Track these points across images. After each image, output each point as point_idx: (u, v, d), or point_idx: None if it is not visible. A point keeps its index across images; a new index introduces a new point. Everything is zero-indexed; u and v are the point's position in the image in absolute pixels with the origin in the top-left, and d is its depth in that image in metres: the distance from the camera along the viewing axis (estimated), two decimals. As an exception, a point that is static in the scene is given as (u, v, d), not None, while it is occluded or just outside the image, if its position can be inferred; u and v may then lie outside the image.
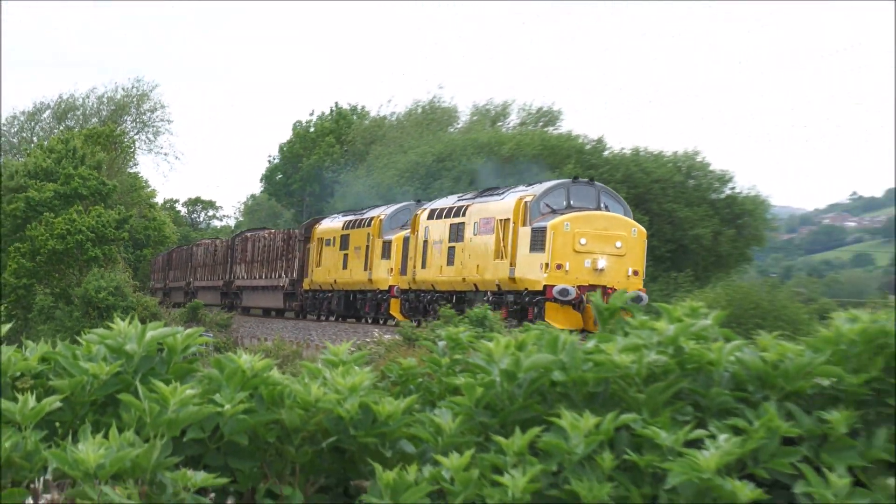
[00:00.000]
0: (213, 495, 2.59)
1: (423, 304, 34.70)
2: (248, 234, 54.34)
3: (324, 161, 75.85)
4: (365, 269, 37.76)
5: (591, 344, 2.81)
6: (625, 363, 2.66)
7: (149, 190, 79.09)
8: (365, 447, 2.69)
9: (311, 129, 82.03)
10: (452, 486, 2.49)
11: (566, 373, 2.71)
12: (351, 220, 40.10)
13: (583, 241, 27.90)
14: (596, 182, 31.23)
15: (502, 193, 32.87)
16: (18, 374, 2.82)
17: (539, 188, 30.76)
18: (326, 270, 41.30)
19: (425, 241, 34.67)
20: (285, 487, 2.60)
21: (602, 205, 29.68)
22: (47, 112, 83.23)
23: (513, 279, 29.76)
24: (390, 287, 36.74)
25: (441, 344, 3.11)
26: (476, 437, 2.69)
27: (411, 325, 29.99)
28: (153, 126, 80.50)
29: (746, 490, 2.42)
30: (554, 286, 27.52)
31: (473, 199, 34.35)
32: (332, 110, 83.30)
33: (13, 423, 2.49)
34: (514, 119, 70.40)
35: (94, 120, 78.03)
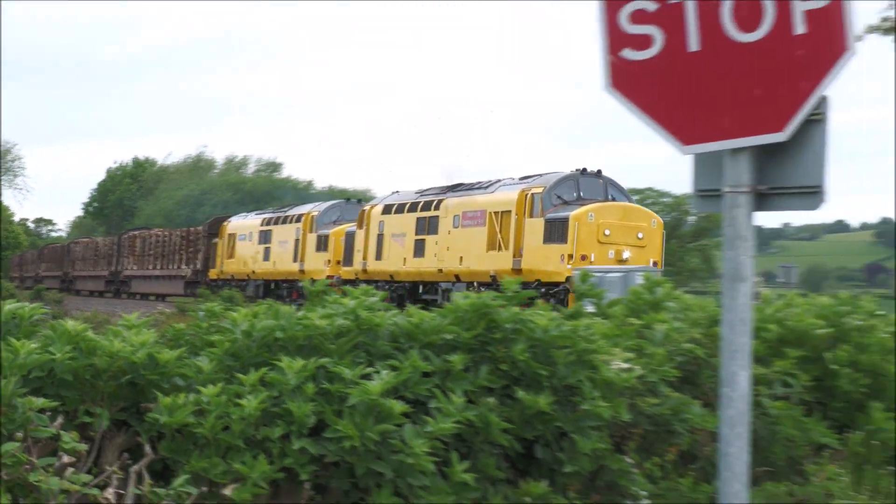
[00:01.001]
0: (49, 414, 3.79)
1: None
2: (136, 233, 63.06)
3: (125, 194, 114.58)
4: (295, 261, 41.73)
5: (300, 313, 4.36)
6: (322, 325, 4.24)
7: (9, 212, 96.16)
8: (151, 382, 4.02)
9: (118, 173, 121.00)
10: (209, 406, 3.86)
11: (284, 332, 4.24)
12: (272, 218, 44.97)
13: (607, 231, 27.77)
14: (603, 174, 31.10)
15: (488, 188, 32.97)
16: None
17: (547, 180, 30.46)
18: (242, 262, 45.88)
19: (380, 235, 36.85)
20: (97, 408, 3.90)
21: (609, 196, 29.91)
22: None
23: (518, 270, 28.99)
24: (329, 277, 38.66)
25: (202, 314, 4.62)
26: (224, 375, 4.11)
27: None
28: (13, 172, 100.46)
29: (398, 406, 3.94)
30: None
31: (444, 194, 34.89)
32: (132, 161, 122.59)
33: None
34: (251, 167, 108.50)
35: None
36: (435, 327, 4.44)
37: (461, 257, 31.96)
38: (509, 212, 29.80)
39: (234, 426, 3.90)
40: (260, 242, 44.94)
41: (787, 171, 4.37)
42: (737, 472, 4.32)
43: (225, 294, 37.75)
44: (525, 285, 22.54)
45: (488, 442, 4.37)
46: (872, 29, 10.89)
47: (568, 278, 26.25)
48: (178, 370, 4.17)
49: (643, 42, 4.51)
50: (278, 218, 43.86)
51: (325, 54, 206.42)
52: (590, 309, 5.23)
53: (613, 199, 29.58)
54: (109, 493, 3.76)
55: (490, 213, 30.88)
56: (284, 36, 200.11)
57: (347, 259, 38.23)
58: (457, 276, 32.26)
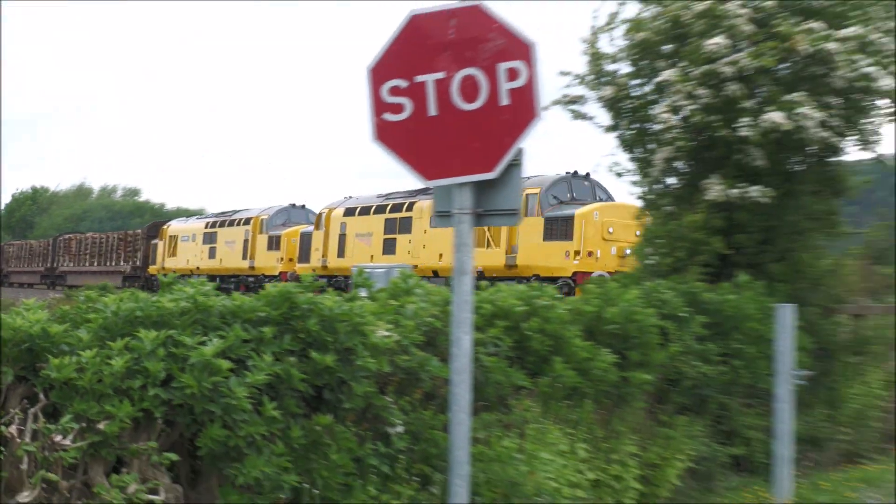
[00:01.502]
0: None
1: (341, 287, 35.71)
2: (71, 236, 70.89)
3: (27, 212, 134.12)
4: (245, 259, 45.43)
5: (154, 297, 5.68)
6: (170, 306, 5.47)
7: None
8: (44, 348, 4.99)
9: (21, 196, 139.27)
10: (87, 365, 4.84)
11: (142, 311, 5.43)
12: (216, 221, 49.46)
13: (611, 229, 28.33)
14: (591, 177, 31.46)
15: None
16: None
17: (542, 181, 30.68)
18: (185, 259, 49.90)
19: (342, 235, 38.44)
20: (4, 367, 4.81)
21: (598, 197, 30.88)
22: None
23: (512, 266, 29.98)
24: (281, 273, 42.37)
25: (82, 297, 5.81)
26: (99, 343, 5.09)
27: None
28: None
29: (225, 364, 4.98)
30: (589, 272, 26.75)
31: (415, 196, 35.29)
32: (31, 188, 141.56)
33: None
34: (119, 192, 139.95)
35: None
36: (252, 307, 5.49)
37: (441, 254, 32.12)
38: None
39: (106, 379, 4.75)
40: (204, 242, 48.20)
41: (495, 199, 5.67)
42: (462, 405, 5.56)
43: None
44: (521, 280, 28.17)
45: (290, 388, 5.27)
46: (556, 102, 12.61)
47: (575, 273, 27.70)
48: (64, 339, 5.02)
49: (398, 108, 5.74)
50: (223, 221, 47.30)
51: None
52: (363, 294, 6.59)
53: (600, 199, 30.68)
54: (13, 428, 4.60)
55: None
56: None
57: (304, 257, 40.24)
58: (434, 272, 32.30)
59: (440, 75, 5.68)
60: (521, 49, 5.56)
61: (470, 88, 5.66)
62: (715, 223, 11.56)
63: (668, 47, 11.95)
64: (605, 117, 12.74)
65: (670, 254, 11.71)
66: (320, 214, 40.93)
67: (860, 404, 11.76)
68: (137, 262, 55.96)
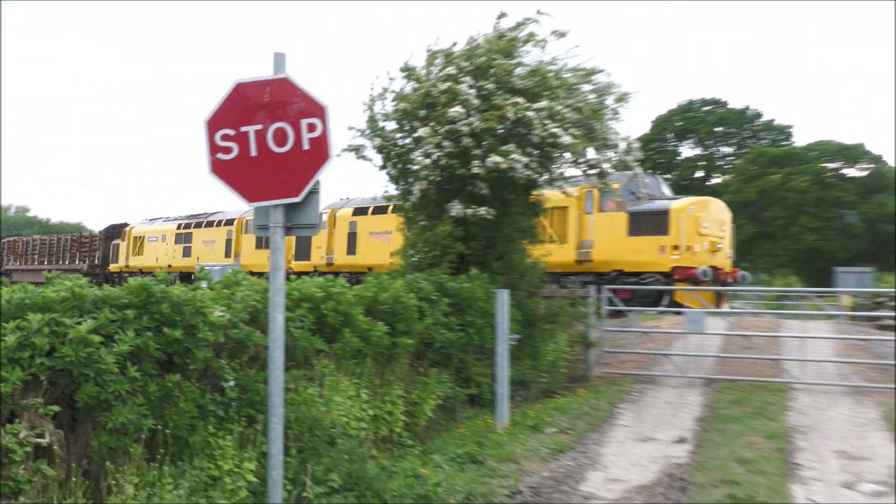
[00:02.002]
0: None
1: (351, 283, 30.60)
2: (15, 239, 60.17)
3: None
4: (228, 257, 36.77)
5: (40, 289, 5.36)
6: (53, 295, 5.22)
7: None
8: None
9: None
10: None
11: (31, 299, 5.09)
12: (189, 223, 40.47)
13: (705, 224, 21.96)
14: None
15: None
16: None
17: (621, 177, 22.79)
18: (153, 258, 41.44)
19: (352, 233, 30.32)
20: None
21: (662, 191, 23.86)
22: None
23: (585, 262, 22.48)
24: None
25: None
26: None
27: None
28: None
29: (96, 338, 4.81)
30: (691, 267, 20.80)
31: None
32: None
33: None
34: (13, 210, 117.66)
35: None
36: (117, 296, 5.28)
37: None
38: (566, 208, 22.69)
39: (3, 352, 4.57)
40: (178, 242, 40.46)
41: (300, 216, 5.73)
42: (277, 365, 5.49)
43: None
44: (600, 275, 22.15)
45: (148, 355, 5.14)
46: (344, 150, 12.70)
47: (674, 268, 21.00)
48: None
49: (228, 150, 5.65)
50: (199, 223, 39.59)
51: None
52: (204, 285, 6.45)
53: (665, 194, 23.89)
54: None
55: None
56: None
57: (301, 255, 32.61)
58: None
59: (258, 127, 5.64)
60: (317, 110, 5.60)
61: (280, 137, 5.68)
62: (456, 233, 11.85)
63: (422, 112, 12.17)
64: (378, 160, 12.85)
65: (427, 254, 11.91)
66: (323, 216, 34.24)
67: (553, 357, 12.25)
68: (96, 261, 48.45)
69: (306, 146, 5.63)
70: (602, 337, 13.98)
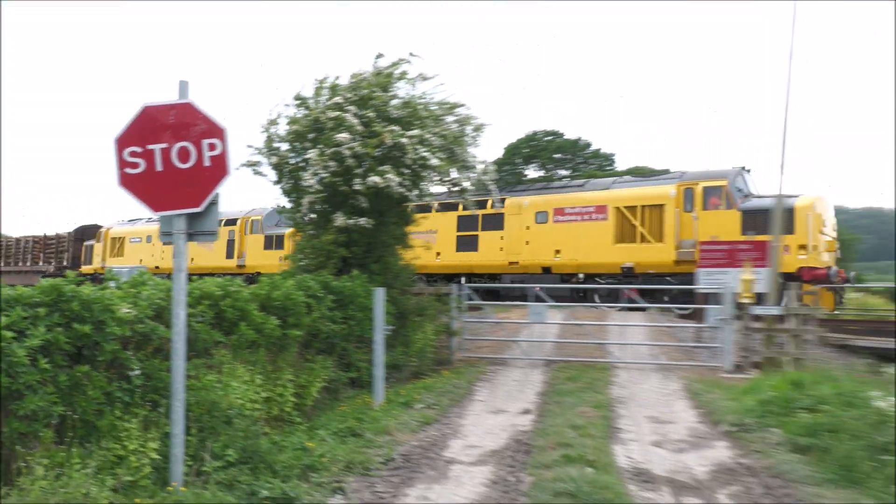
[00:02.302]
0: None
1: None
2: None
3: None
4: (230, 258, 30.88)
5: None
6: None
7: None
8: None
9: None
10: None
11: None
12: None
13: (825, 221, 18.17)
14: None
15: (583, 187, 21.43)
16: None
17: (726, 174, 18.90)
18: (137, 259, 34.45)
19: None
20: None
21: (755, 190, 19.55)
22: None
23: (687, 261, 18.34)
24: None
25: None
26: None
27: None
28: None
29: (9, 333, 4.61)
30: (820, 268, 17.16)
31: (502, 193, 22.16)
32: None
33: None
34: None
35: None
36: (29, 295, 4.96)
37: (557, 250, 20.85)
38: (661, 206, 19.18)
39: None
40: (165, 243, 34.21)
41: (202, 224, 5.55)
42: (179, 355, 5.25)
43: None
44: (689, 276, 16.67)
45: (58, 348, 4.85)
46: (243, 165, 12.35)
47: (801, 269, 17.25)
48: None
49: (135, 165, 5.39)
50: None
51: None
52: (112, 285, 6.10)
53: (760, 194, 19.38)
54: None
55: (618, 207, 19.91)
56: None
57: None
58: (546, 268, 21.18)
59: (164, 145, 5.41)
60: (217, 131, 5.42)
61: (184, 154, 5.48)
62: (340, 240, 11.71)
63: (312, 135, 11.98)
64: (273, 175, 12.55)
65: (314, 259, 11.71)
66: None
67: (421, 344, 12.26)
68: (65, 263, 41.41)
69: (207, 163, 5.45)
70: (463, 327, 14.12)
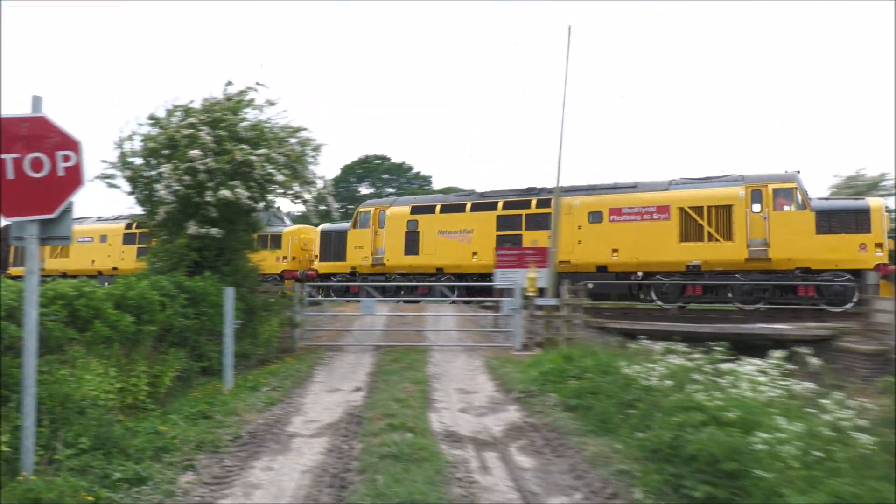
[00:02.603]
0: None
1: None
2: None
3: None
4: None
5: None
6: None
7: None
8: None
9: None
10: None
11: None
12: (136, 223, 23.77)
13: (892, 222, 16.15)
14: None
15: (637, 188, 18.31)
16: None
17: (792, 177, 16.63)
18: (88, 261, 27.11)
19: (413, 232, 20.55)
20: None
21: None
22: None
23: (759, 259, 16.23)
24: (285, 272, 23.48)
25: None
26: None
27: None
28: None
29: None
30: (889, 264, 15.39)
31: (538, 194, 19.35)
32: None
33: None
34: None
35: None
36: None
37: (614, 249, 18.12)
38: (730, 206, 16.99)
39: None
40: (127, 243, 26.44)
41: (56, 229, 5.03)
42: (31, 352, 4.68)
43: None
44: (778, 273, 15.18)
45: None
46: (97, 177, 11.22)
47: (877, 266, 15.59)
48: None
49: None
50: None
51: None
52: None
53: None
54: None
55: (682, 207, 17.54)
56: None
57: (333, 255, 21.97)
58: (601, 267, 18.39)
59: (16, 155, 4.82)
60: (72, 144, 4.90)
61: (37, 164, 4.92)
62: (193, 245, 11.02)
63: (167, 151, 11.17)
64: (127, 187, 11.55)
65: (167, 262, 10.91)
66: (359, 213, 22.43)
67: (267, 336, 11.83)
68: None
69: (61, 173, 4.92)
70: (304, 319, 13.78)
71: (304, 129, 12.47)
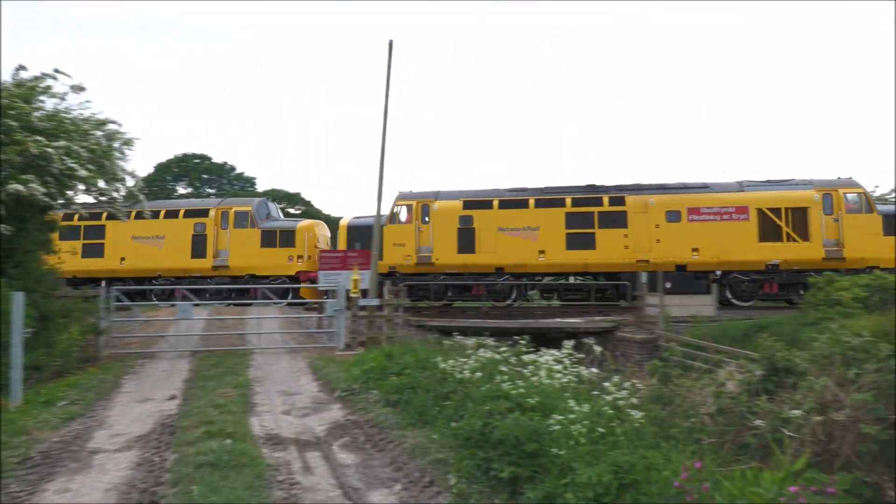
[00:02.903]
0: None
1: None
2: None
3: None
4: (199, 257, 19.14)
5: None
6: None
7: None
8: None
9: None
10: None
11: None
12: (100, 213, 18.10)
13: None
14: None
15: (709, 188, 17.92)
16: None
17: (853, 183, 17.16)
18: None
19: (467, 228, 17.83)
20: None
21: None
22: None
23: (835, 259, 16.64)
24: (300, 273, 18.86)
25: None
26: None
27: None
28: None
29: None
30: None
31: (620, 191, 18.16)
32: None
33: None
34: None
35: None
36: None
37: (695, 248, 17.30)
38: (805, 208, 17.06)
39: None
40: (82, 238, 18.81)
41: None
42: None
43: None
44: (850, 271, 15.23)
45: None
46: None
47: None
48: None
49: None
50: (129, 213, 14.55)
51: None
52: None
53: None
54: None
55: (760, 208, 17.20)
56: None
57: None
58: (680, 266, 17.34)
59: None
60: None
61: None
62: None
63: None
64: None
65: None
66: (397, 207, 18.91)
67: (66, 344, 10.43)
68: None
69: None
70: (111, 325, 12.38)
71: (112, 122, 11.26)
